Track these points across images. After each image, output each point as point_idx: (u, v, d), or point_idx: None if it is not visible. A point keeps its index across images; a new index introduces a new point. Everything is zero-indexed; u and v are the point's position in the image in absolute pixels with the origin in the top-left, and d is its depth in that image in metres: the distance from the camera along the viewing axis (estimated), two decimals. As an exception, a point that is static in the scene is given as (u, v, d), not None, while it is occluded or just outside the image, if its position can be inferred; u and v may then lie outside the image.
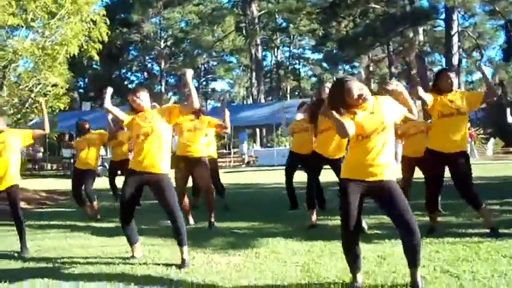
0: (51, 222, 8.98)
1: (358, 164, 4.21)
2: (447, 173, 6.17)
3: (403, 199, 4.12)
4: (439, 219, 6.87)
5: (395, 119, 4.30)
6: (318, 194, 8.54)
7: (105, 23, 13.31)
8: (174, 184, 5.84)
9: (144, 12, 42.10)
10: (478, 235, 6.03)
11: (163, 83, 55.58)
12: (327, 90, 6.80)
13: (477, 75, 46.46)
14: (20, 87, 12.36)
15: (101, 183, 12.25)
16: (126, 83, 59.46)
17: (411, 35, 32.99)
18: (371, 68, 42.46)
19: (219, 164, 12.49)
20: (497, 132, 29.41)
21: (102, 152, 25.10)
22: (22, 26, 12.19)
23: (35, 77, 12.28)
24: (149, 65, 59.32)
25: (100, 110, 39.91)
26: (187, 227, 7.13)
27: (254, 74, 44.12)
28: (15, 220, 6.51)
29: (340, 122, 4.01)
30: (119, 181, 11.64)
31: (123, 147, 11.31)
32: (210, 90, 66.63)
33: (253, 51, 42.78)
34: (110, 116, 8.58)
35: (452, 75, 6.20)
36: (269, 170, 21.79)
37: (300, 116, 8.65)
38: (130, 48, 56.66)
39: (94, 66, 47.99)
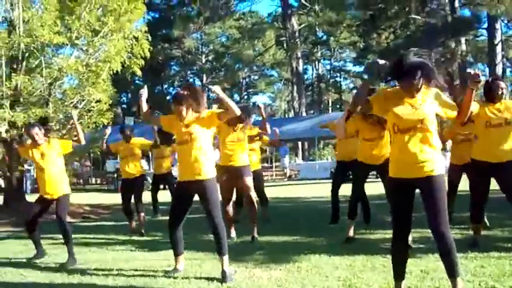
0: (95, 236, 9.12)
1: (399, 160, 4.17)
2: (493, 185, 6.07)
3: (440, 201, 4.01)
4: (484, 233, 6.75)
5: (439, 112, 4.21)
6: (364, 208, 8.49)
7: (147, 39, 13.52)
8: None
9: (185, 28, 42.67)
10: (525, 249, 5.91)
11: (204, 98, 55.89)
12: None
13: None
14: (65, 103, 12.59)
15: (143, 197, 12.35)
16: (168, 97, 60.07)
17: (453, 45, 32.59)
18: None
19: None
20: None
21: (145, 166, 25.44)
22: (67, 44, 12.45)
23: (79, 93, 12.50)
24: (191, 80, 59.85)
25: (143, 125, 40.50)
26: (228, 240, 7.19)
27: (295, 87, 44.13)
28: (60, 228, 6.65)
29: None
30: (161, 195, 11.85)
31: (167, 160, 11.47)
32: (251, 104, 66.81)
33: (294, 64, 42.82)
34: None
35: (503, 85, 6.10)
36: (311, 183, 21.73)
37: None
38: (172, 63, 57.28)
39: (137, 81, 48.61)
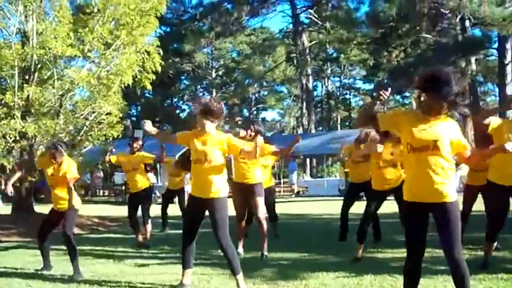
0: (103, 248, 9.13)
1: (412, 185, 4.16)
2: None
3: (455, 227, 3.99)
4: (494, 254, 6.70)
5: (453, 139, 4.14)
6: (374, 224, 8.47)
7: (159, 54, 13.60)
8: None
9: (196, 43, 42.76)
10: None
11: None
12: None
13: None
14: (76, 115, 12.67)
15: (151, 210, 12.37)
16: (177, 111, 60.25)
17: (463, 64, 32.57)
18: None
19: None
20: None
21: (153, 180, 25.45)
22: (79, 57, 12.55)
23: (90, 105, 12.58)
24: (201, 94, 59.99)
25: (152, 138, 40.57)
26: (238, 256, 7.19)
27: (305, 104, 44.10)
28: (64, 242, 6.66)
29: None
30: (170, 210, 11.86)
31: (180, 176, 11.51)
32: (260, 120, 66.88)
33: (304, 81, 42.84)
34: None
35: None
36: (319, 200, 21.68)
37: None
38: (182, 77, 57.49)
39: (147, 95, 48.81)
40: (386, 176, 7.05)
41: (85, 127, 12.84)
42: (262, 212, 7.77)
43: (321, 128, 52.59)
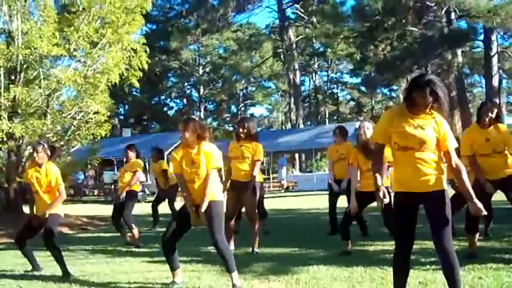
0: (93, 247, 9.11)
1: (400, 177, 4.17)
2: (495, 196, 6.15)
3: (445, 217, 4.00)
4: (482, 244, 6.77)
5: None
6: (358, 220, 8.51)
7: (145, 51, 13.55)
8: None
9: (182, 40, 42.70)
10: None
11: (202, 109, 56.07)
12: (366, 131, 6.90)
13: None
14: (63, 114, 12.61)
15: (141, 209, 12.38)
16: (165, 109, 60.19)
17: (450, 57, 32.74)
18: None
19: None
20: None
21: (142, 178, 25.39)
22: (65, 56, 12.49)
23: (77, 105, 12.53)
24: (188, 92, 59.94)
25: (139, 136, 40.53)
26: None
27: (292, 99, 44.19)
28: (45, 243, 6.60)
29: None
30: (160, 208, 11.85)
31: (172, 177, 11.48)
32: (248, 115, 66.95)
33: (291, 76, 42.89)
34: None
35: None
36: (309, 195, 21.72)
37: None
38: (170, 75, 57.45)
39: (134, 93, 48.70)
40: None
41: (73, 127, 12.80)
42: (253, 209, 7.79)
43: (309, 123, 52.63)
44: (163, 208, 11.96)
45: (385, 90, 56.81)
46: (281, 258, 7.17)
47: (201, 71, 55.30)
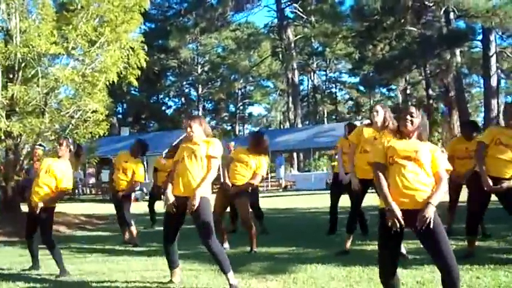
0: (91, 246, 9.11)
1: (394, 192, 4.12)
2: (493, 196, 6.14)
3: (440, 235, 3.96)
4: (480, 244, 6.78)
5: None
6: (359, 218, 8.52)
7: (144, 50, 13.51)
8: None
9: (181, 39, 42.67)
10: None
11: (200, 108, 56.08)
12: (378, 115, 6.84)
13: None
14: (61, 113, 12.57)
15: (139, 207, 12.38)
16: (163, 108, 60.20)
17: (448, 57, 32.76)
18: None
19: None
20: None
21: (142, 177, 25.34)
22: (63, 54, 12.44)
23: (76, 103, 12.49)
24: (186, 90, 59.94)
25: (138, 135, 40.49)
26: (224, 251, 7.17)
27: (291, 98, 44.15)
28: (42, 241, 6.61)
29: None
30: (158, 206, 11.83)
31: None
32: (247, 115, 67.00)
33: (289, 75, 42.86)
34: None
35: None
36: (307, 194, 21.72)
37: None
38: (168, 73, 57.46)
39: (132, 92, 48.65)
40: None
41: (71, 125, 12.75)
42: (247, 214, 7.80)
43: (307, 122, 52.74)
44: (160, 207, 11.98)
45: (384, 90, 56.88)
46: (279, 257, 7.17)
47: (199, 70, 55.30)
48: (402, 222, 3.98)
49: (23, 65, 12.07)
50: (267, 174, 31.86)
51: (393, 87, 50.94)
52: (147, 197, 16.48)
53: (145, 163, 22.62)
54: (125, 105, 56.73)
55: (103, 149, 22.98)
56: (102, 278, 6.22)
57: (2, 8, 11.69)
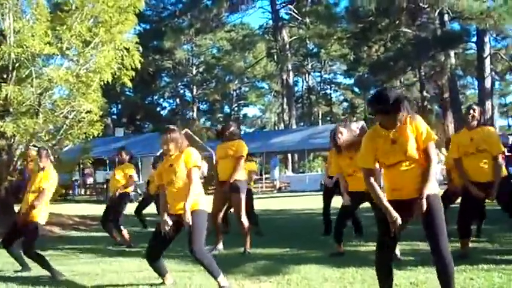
0: (85, 247, 9.09)
1: (390, 188, 4.17)
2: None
3: (439, 221, 3.98)
4: (475, 245, 6.80)
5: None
6: (353, 219, 8.54)
7: (138, 51, 13.49)
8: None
9: (176, 40, 42.68)
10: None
11: (195, 109, 56.04)
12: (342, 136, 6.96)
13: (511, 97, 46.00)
14: (55, 113, 12.54)
15: (133, 209, 12.34)
16: (158, 109, 60.14)
17: (443, 58, 32.86)
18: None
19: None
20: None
21: (135, 177, 25.32)
22: (57, 55, 12.41)
23: (70, 104, 12.45)
24: (181, 91, 59.89)
25: (133, 136, 40.45)
26: (217, 252, 7.18)
27: (285, 99, 44.21)
28: (25, 253, 6.55)
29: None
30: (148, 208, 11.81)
31: None
32: (241, 116, 66.99)
33: (284, 76, 42.91)
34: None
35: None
36: (301, 195, 21.72)
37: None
38: (163, 74, 57.41)
39: (127, 92, 48.57)
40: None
41: (65, 126, 12.71)
42: (240, 210, 7.77)
43: (302, 124, 52.68)
44: (151, 209, 11.98)
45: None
46: (272, 258, 7.16)
47: (194, 71, 55.25)
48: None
49: (16, 65, 12.02)
50: (262, 175, 31.91)
51: (388, 88, 51.04)
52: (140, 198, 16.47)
53: (139, 163, 22.66)
54: (119, 106, 56.70)
55: (97, 150, 23.00)
56: (96, 279, 6.20)
57: (-4, 8, 11.66)
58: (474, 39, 32.76)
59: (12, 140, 12.08)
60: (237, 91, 61.67)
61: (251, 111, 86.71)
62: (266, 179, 31.75)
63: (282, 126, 49.28)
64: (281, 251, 7.76)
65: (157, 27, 47.00)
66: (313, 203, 14.96)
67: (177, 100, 60.47)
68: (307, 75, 58.05)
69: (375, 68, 37.53)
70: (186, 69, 54.63)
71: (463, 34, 32.68)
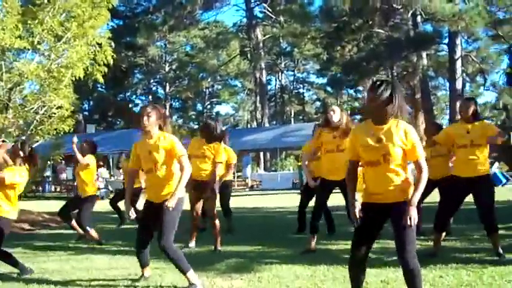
0: (55, 244, 8.96)
1: (367, 191, 4.18)
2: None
3: (409, 229, 3.94)
4: (444, 243, 6.87)
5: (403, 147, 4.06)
6: (327, 217, 8.58)
7: (111, 46, 13.37)
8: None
9: (149, 36, 42.45)
10: (483, 260, 6.02)
11: (167, 106, 55.78)
12: (334, 114, 6.95)
13: (482, 99, 46.53)
14: (26, 109, 12.40)
15: (103, 206, 12.25)
16: (130, 106, 59.69)
17: (415, 59, 33.16)
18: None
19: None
20: (501, 156, 29.36)
21: (106, 175, 25.15)
22: (28, 49, 12.26)
23: (40, 99, 12.31)
24: (154, 88, 59.56)
25: (104, 132, 40.15)
26: (189, 250, 7.16)
27: (258, 98, 44.21)
28: None
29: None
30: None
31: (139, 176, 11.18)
32: (214, 114, 66.82)
33: (257, 75, 42.92)
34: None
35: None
36: (273, 194, 21.76)
37: None
38: (136, 71, 56.93)
39: (99, 89, 48.11)
40: (332, 163, 7.02)
41: (35, 121, 12.58)
42: (212, 209, 7.75)
43: (274, 122, 52.80)
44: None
45: (351, 91, 57.24)
46: (244, 256, 7.16)
47: (167, 68, 54.93)
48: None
49: (-14, 59, 11.86)
50: (233, 173, 31.90)
51: (360, 88, 51.31)
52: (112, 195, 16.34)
53: (110, 160, 22.44)
54: (91, 102, 56.15)
55: (68, 146, 22.77)
56: (66, 277, 6.12)
57: (-35, 0, 11.47)
58: (446, 41, 33.07)
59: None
60: (210, 89, 61.51)
61: (224, 109, 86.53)
62: (238, 177, 31.75)
63: (254, 124, 49.29)
64: (253, 248, 7.77)
65: (131, 23, 46.66)
66: (285, 201, 15.02)
67: (150, 97, 60.07)
68: (280, 73, 58.11)
69: (348, 68, 37.74)
70: (159, 66, 54.28)
71: (435, 36, 32.98)
